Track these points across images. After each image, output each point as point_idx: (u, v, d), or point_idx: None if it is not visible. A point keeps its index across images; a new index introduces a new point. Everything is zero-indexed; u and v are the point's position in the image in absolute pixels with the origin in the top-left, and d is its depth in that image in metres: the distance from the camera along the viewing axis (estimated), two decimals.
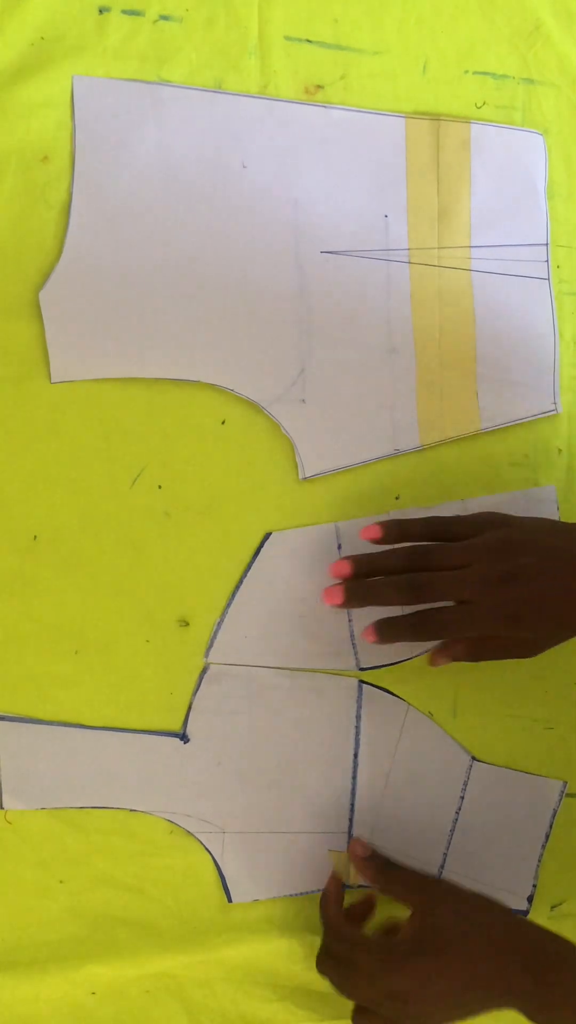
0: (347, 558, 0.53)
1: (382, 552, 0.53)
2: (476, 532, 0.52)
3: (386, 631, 0.52)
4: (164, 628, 0.56)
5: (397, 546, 0.53)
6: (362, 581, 0.53)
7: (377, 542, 0.53)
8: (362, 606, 0.53)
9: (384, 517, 0.57)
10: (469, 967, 0.48)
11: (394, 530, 0.53)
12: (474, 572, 0.50)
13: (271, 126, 0.57)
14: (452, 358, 0.60)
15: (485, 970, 0.48)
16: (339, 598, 0.52)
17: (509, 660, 0.58)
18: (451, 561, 0.51)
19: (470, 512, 0.56)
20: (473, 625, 0.51)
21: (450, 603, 0.51)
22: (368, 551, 0.53)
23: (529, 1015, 0.48)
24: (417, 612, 0.51)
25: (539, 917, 0.59)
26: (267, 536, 0.57)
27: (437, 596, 0.51)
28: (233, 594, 0.56)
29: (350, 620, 0.57)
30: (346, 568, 0.52)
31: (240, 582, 0.56)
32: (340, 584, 0.53)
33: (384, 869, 0.54)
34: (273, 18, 0.57)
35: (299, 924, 0.57)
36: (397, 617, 0.52)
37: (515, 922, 0.51)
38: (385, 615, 0.52)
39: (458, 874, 0.58)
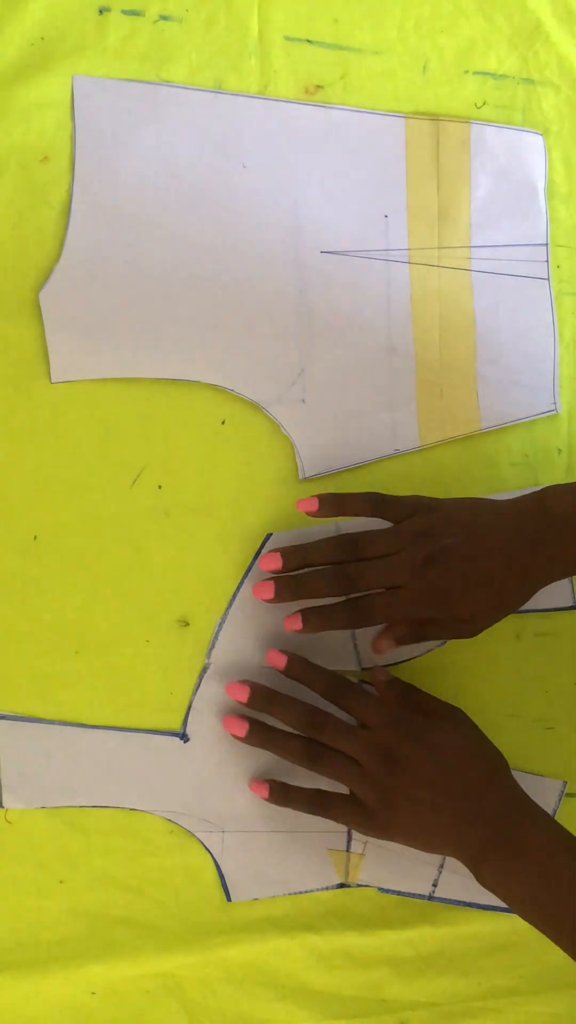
0: (276, 550, 0.53)
1: (311, 544, 0.53)
2: (408, 515, 0.53)
3: (314, 620, 0.52)
4: (164, 628, 0.56)
5: (324, 538, 0.53)
6: (292, 575, 0.53)
7: (313, 515, 0.53)
8: (294, 600, 0.53)
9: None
10: (426, 806, 0.50)
11: (329, 504, 0.53)
12: (400, 558, 0.51)
13: (271, 126, 0.57)
14: (452, 358, 0.60)
15: (438, 813, 0.50)
16: (269, 592, 0.53)
17: (506, 659, 0.58)
18: (378, 549, 0.52)
19: None
20: (402, 609, 0.52)
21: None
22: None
23: (471, 869, 0.50)
24: (346, 600, 0.52)
25: None
26: (268, 537, 0.57)
27: (366, 585, 0.52)
28: (234, 594, 0.56)
29: None
30: (276, 561, 0.53)
31: (241, 582, 0.56)
32: (271, 579, 0.53)
33: (408, 691, 0.56)
34: (273, 18, 0.57)
35: (299, 923, 0.57)
36: (326, 606, 0.53)
37: (483, 779, 0.51)
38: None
39: (458, 874, 0.58)
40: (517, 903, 0.49)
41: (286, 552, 0.53)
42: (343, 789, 0.53)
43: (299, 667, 0.54)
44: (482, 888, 0.56)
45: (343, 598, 0.52)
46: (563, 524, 0.52)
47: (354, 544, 0.52)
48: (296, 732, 0.53)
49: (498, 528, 0.52)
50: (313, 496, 0.53)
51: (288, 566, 0.53)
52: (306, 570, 0.53)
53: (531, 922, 0.49)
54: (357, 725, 0.52)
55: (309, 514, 0.53)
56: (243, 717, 0.54)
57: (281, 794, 0.54)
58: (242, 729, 0.53)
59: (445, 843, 0.51)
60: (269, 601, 0.53)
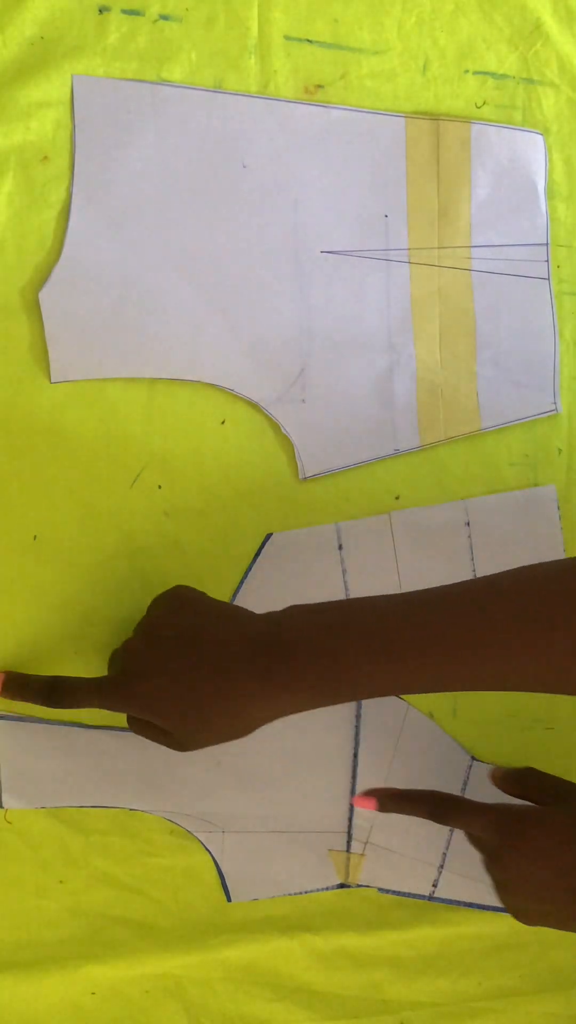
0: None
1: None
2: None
3: (9, 687, 0.51)
4: None
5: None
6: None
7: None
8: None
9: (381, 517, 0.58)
10: (558, 895, 0.49)
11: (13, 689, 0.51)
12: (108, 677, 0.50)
13: (271, 126, 0.57)
14: (452, 358, 0.60)
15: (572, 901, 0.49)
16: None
17: None
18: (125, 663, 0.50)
19: (470, 513, 0.56)
20: (114, 700, 0.49)
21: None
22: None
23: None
24: (48, 679, 0.50)
25: None
26: (268, 537, 0.57)
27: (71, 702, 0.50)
28: (234, 594, 0.56)
29: None
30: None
31: (241, 582, 0.56)
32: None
33: (521, 775, 0.54)
34: (273, 18, 0.57)
35: (299, 924, 0.57)
36: (20, 675, 0.51)
37: None
38: None
39: (458, 874, 0.58)
40: None
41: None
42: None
43: (392, 803, 0.52)
44: (481, 889, 0.56)
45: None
46: (292, 648, 0.46)
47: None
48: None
49: (229, 647, 0.47)
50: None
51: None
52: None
53: None
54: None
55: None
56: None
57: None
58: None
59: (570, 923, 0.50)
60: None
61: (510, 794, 0.53)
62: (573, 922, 0.50)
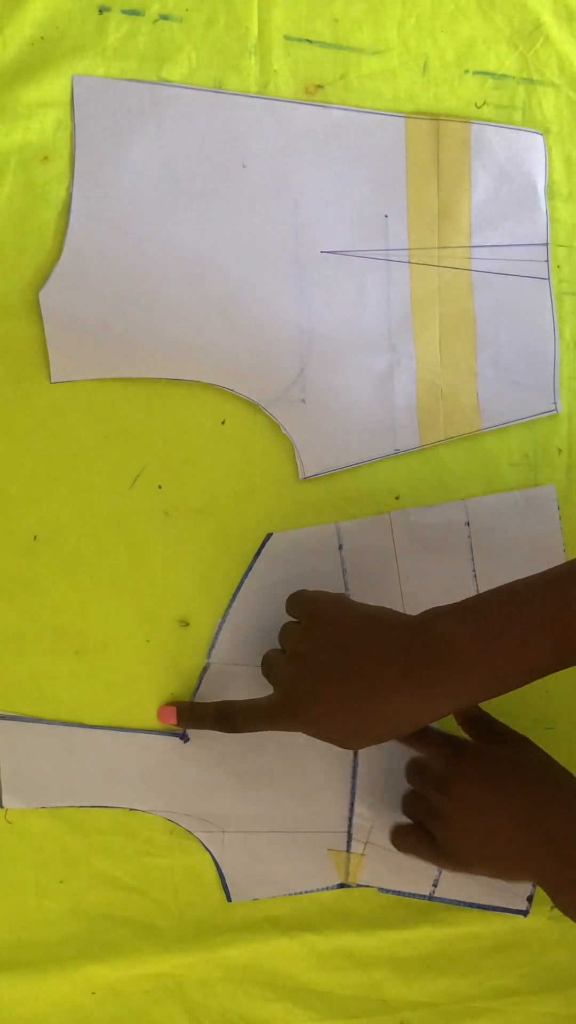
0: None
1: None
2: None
3: (184, 716, 0.54)
4: (164, 628, 0.56)
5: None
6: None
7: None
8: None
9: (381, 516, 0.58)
10: (496, 834, 0.50)
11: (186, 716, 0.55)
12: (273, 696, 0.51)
13: (271, 126, 0.57)
14: (452, 358, 0.60)
15: (510, 841, 0.49)
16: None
17: None
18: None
19: (470, 513, 0.57)
20: (287, 725, 0.51)
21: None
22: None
23: (550, 894, 0.49)
24: (221, 704, 0.53)
25: (539, 917, 0.59)
26: (268, 537, 0.57)
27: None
28: (234, 595, 0.56)
29: None
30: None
31: (241, 583, 0.56)
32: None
33: (477, 715, 0.56)
34: (273, 18, 0.57)
35: (299, 924, 0.57)
36: (191, 704, 0.55)
37: (550, 799, 0.50)
38: None
39: (457, 874, 0.58)
40: None
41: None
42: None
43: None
44: (482, 888, 0.56)
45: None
46: (452, 654, 0.47)
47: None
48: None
49: (386, 653, 0.48)
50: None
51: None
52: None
53: None
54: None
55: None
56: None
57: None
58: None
59: (519, 867, 0.50)
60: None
61: (463, 728, 0.55)
62: (502, 864, 0.50)
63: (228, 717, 0.52)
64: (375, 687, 0.47)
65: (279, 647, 0.52)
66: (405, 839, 0.54)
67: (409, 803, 0.54)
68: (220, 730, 0.52)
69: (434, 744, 0.53)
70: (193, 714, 0.54)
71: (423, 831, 0.53)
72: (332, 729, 0.49)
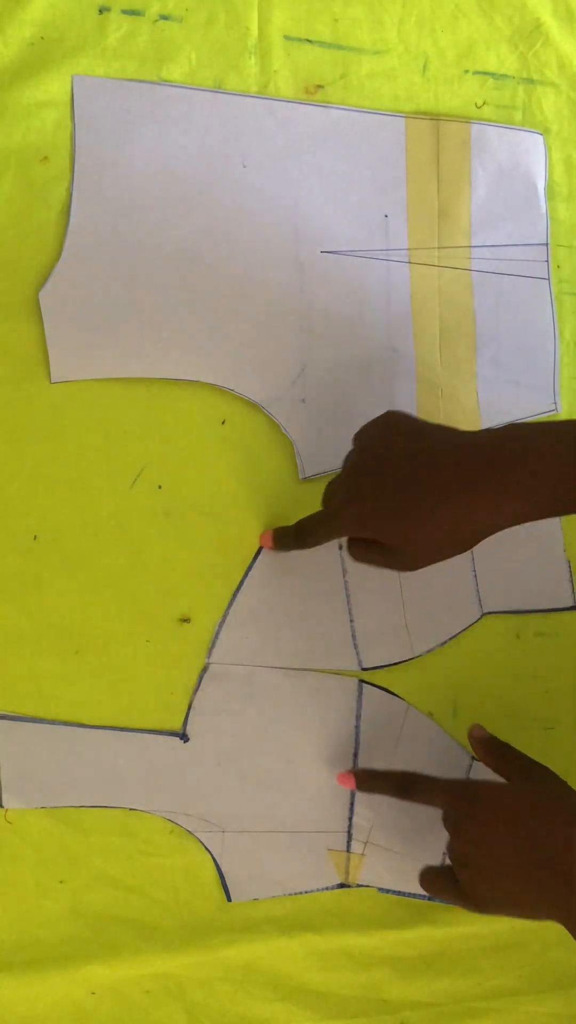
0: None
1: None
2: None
3: (277, 541, 0.55)
4: (164, 628, 0.56)
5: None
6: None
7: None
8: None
9: None
10: (514, 875, 0.48)
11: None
12: (337, 505, 0.50)
13: (271, 126, 0.57)
14: (452, 358, 0.60)
15: (529, 881, 0.48)
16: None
17: (505, 659, 0.58)
18: (326, 496, 0.52)
19: None
20: (336, 531, 0.51)
21: None
22: None
23: (572, 933, 0.48)
24: (297, 523, 0.54)
25: None
26: None
27: (314, 539, 0.53)
28: (234, 594, 0.56)
29: (351, 620, 0.57)
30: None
31: (241, 582, 0.56)
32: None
33: (498, 746, 0.55)
34: (273, 18, 0.57)
35: (299, 923, 0.57)
36: (281, 528, 0.55)
37: (570, 836, 0.48)
38: None
39: None
40: None
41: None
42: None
43: (367, 780, 0.55)
44: None
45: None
46: (515, 464, 0.46)
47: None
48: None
49: (436, 465, 0.48)
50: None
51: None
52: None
53: None
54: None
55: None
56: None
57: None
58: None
59: (542, 908, 0.48)
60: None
61: (482, 760, 0.54)
62: (523, 905, 0.49)
63: (304, 530, 0.52)
64: (435, 484, 0.47)
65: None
66: (432, 881, 0.53)
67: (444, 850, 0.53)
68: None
69: (446, 792, 0.51)
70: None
71: (449, 873, 0.51)
72: (388, 529, 0.48)
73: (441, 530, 0.47)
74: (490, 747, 0.54)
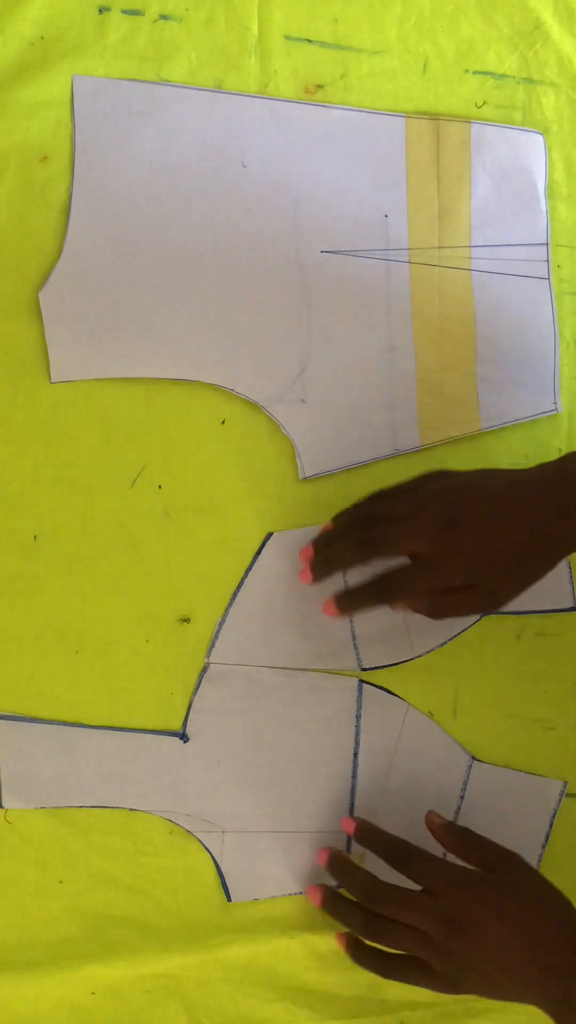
0: (311, 542, 0.54)
1: (331, 524, 0.54)
2: (422, 484, 0.53)
3: (346, 602, 0.53)
4: (164, 628, 0.56)
5: (341, 513, 0.54)
6: (321, 555, 0.54)
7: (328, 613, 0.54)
8: (326, 577, 0.54)
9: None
10: (498, 966, 0.49)
11: (345, 601, 0.53)
12: (420, 520, 0.50)
13: (271, 126, 0.57)
14: (452, 358, 0.60)
15: (510, 971, 0.48)
16: (308, 577, 0.54)
17: (505, 659, 0.58)
18: (398, 513, 0.52)
19: None
20: (423, 580, 0.51)
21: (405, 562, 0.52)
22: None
23: (555, 1019, 0.49)
24: (374, 577, 0.52)
25: None
26: (268, 536, 0.57)
27: (389, 549, 0.51)
28: (234, 594, 0.56)
29: (351, 620, 0.57)
30: (309, 550, 0.54)
31: (241, 582, 0.56)
32: (306, 566, 0.54)
33: (466, 836, 0.54)
34: (273, 18, 0.57)
35: (299, 924, 0.57)
36: (352, 588, 0.53)
37: (548, 929, 0.50)
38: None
39: None
40: None
41: (315, 540, 0.54)
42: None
43: (365, 833, 0.54)
44: None
45: (368, 580, 0.52)
46: None
47: (373, 513, 0.53)
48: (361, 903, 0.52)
49: (519, 494, 0.51)
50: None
51: (319, 549, 0.54)
52: (332, 543, 0.54)
53: None
54: (420, 891, 0.50)
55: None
56: (319, 886, 0.55)
57: (354, 948, 0.53)
58: (316, 898, 0.54)
59: (524, 997, 0.49)
60: (309, 583, 0.54)
61: (449, 849, 0.53)
62: (505, 991, 0.49)
63: (392, 587, 0.52)
64: (532, 521, 0.50)
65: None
66: (398, 969, 0.52)
67: (392, 935, 0.51)
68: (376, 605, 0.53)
69: (442, 877, 0.51)
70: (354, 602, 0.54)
71: (415, 960, 0.50)
72: (496, 573, 0.50)
73: (535, 563, 0.51)
74: (453, 835, 0.53)
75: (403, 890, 0.51)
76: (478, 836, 0.53)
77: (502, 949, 0.48)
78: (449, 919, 0.49)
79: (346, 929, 0.53)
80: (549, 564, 0.52)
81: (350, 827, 0.55)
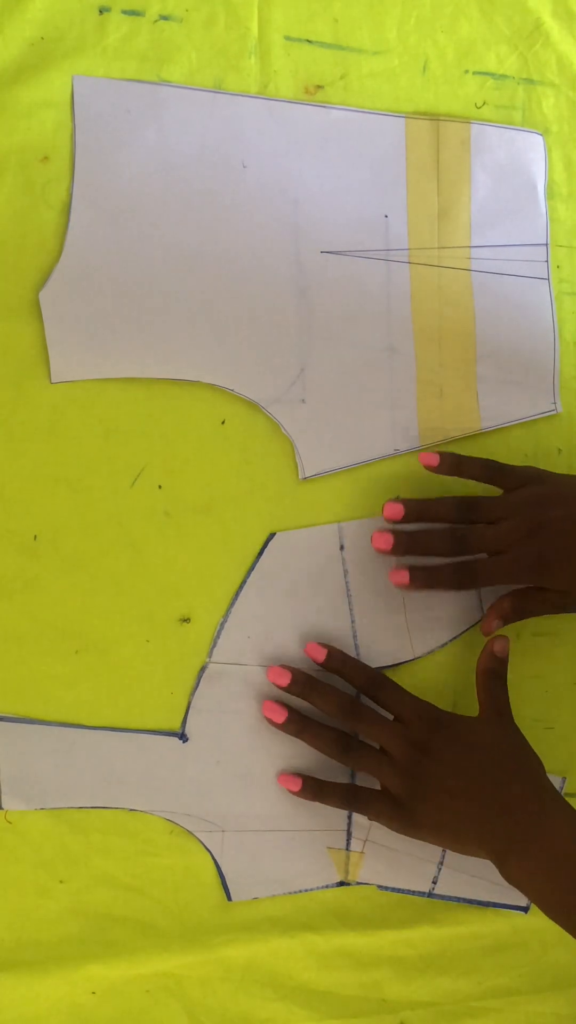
0: (401, 501, 0.55)
1: (432, 501, 0.56)
2: (520, 485, 0.55)
3: (423, 578, 0.55)
4: (164, 628, 0.56)
5: (446, 497, 0.56)
6: (409, 532, 0.55)
7: (432, 470, 0.55)
8: (406, 554, 0.55)
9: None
10: (457, 802, 0.51)
11: (448, 463, 0.55)
12: (509, 524, 0.54)
13: (271, 126, 0.57)
14: (452, 358, 0.60)
15: (467, 810, 0.51)
16: (388, 544, 0.55)
17: (509, 659, 0.58)
18: (492, 515, 0.54)
19: None
20: (502, 574, 0.54)
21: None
22: (373, 555, 0.56)
23: (497, 865, 0.50)
24: (451, 562, 0.54)
25: (539, 916, 0.59)
26: (270, 536, 0.57)
27: (474, 547, 0.54)
28: (236, 595, 0.56)
29: (352, 620, 0.57)
30: (399, 512, 0.55)
31: (243, 583, 0.56)
32: (390, 530, 0.55)
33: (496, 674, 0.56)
34: (273, 18, 0.57)
35: (299, 923, 0.57)
36: (433, 566, 0.55)
37: (511, 775, 0.52)
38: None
39: (458, 871, 0.58)
40: (542, 898, 0.50)
41: (408, 504, 0.55)
42: (375, 785, 0.54)
43: (339, 660, 0.55)
44: (480, 885, 0.55)
45: (449, 561, 0.54)
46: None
47: (472, 508, 0.55)
48: (330, 723, 0.54)
49: None
50: (435, 452, 0.55)
51: (407, 519, 0.55)
52: (422, 527, 0.55)
53: (555, 919, 0.49)
54: (392, 719, 0.54)
55: (428, 467, 0.55)
56: (282, 704, 0.55)
57: (315, 789, 0.55)
58: (281, 716, 0.55)
59: (472, 836, 0.51)
60: (384, 552, 0.55)
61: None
62: (461, 833, 0.51)
63: (477, 573, 0.54)
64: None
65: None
66: (361, 799, 0.54)
67: (361, 753, 0.54)
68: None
69: (416, 710, 0.54)
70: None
71: (376, 792, 0.53)
72: (552, 574, 0.54)
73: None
74: (492, 671, 0.56)
75: (377, 712, 0.54)
76: (504, 685, 0.56)
77: (459, 776, 0.51)
78: (414, 742, 0.52)
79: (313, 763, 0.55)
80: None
81: (320, 653, 0.55)
